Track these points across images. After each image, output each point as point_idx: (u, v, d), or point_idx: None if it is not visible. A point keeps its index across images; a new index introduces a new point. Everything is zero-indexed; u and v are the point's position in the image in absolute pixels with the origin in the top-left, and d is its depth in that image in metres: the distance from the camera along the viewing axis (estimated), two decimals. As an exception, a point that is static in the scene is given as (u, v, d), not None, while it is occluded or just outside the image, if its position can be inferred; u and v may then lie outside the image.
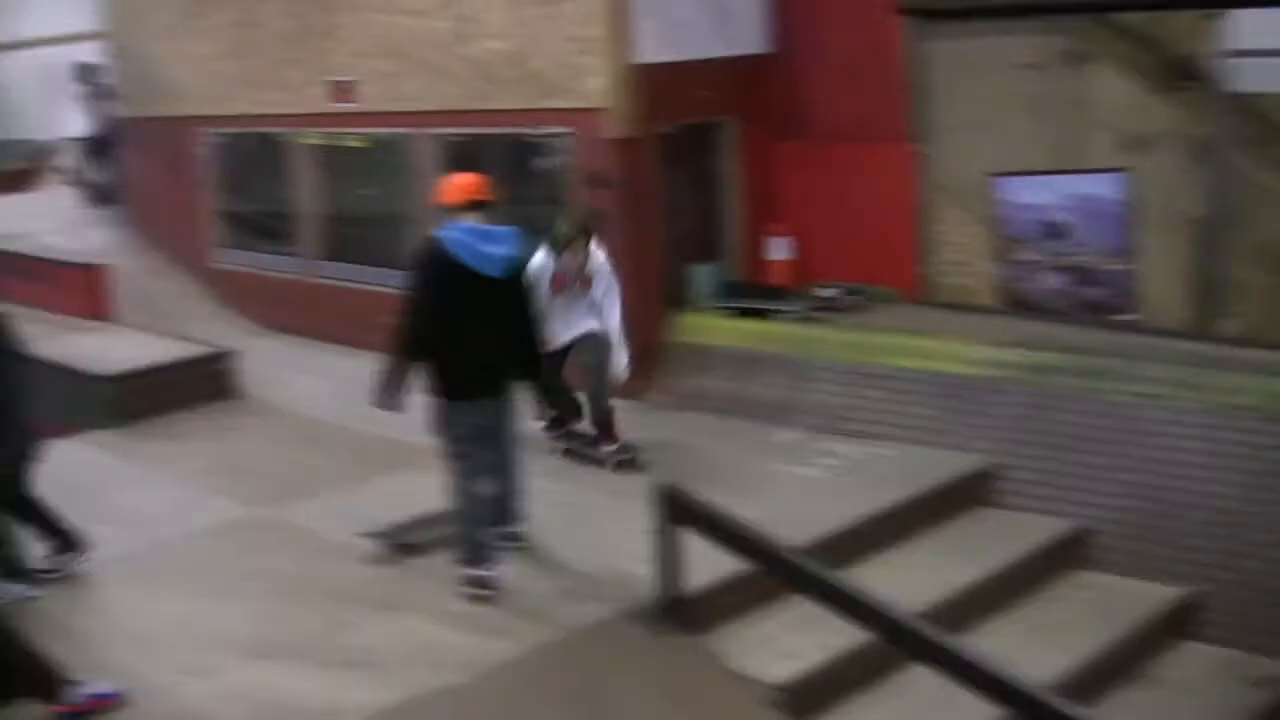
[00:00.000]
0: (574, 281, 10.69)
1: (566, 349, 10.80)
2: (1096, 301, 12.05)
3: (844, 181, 12.84)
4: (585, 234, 10.68)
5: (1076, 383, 10.63)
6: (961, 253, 12.58)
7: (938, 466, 10.59)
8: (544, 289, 10.32)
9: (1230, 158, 11.27)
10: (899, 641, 7.49)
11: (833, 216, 12.97)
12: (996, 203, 12.42)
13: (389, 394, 8.73)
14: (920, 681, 7.66)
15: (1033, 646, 8.63)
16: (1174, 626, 9.65)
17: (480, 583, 8.69)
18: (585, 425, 11.07)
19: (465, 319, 8.58)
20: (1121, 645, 9.22)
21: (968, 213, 12.53)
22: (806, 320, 12.34)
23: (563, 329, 10.66)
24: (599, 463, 10.84)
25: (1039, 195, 12.19)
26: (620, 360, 10.75)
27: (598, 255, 10.75)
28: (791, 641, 8.36)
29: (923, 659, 7.32)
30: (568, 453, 11.12)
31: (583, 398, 11.04)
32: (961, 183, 12.52)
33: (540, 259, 10.43)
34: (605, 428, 10.89)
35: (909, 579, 9.01)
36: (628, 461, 10.75)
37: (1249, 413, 9.83)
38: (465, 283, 8.55)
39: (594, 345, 10.77)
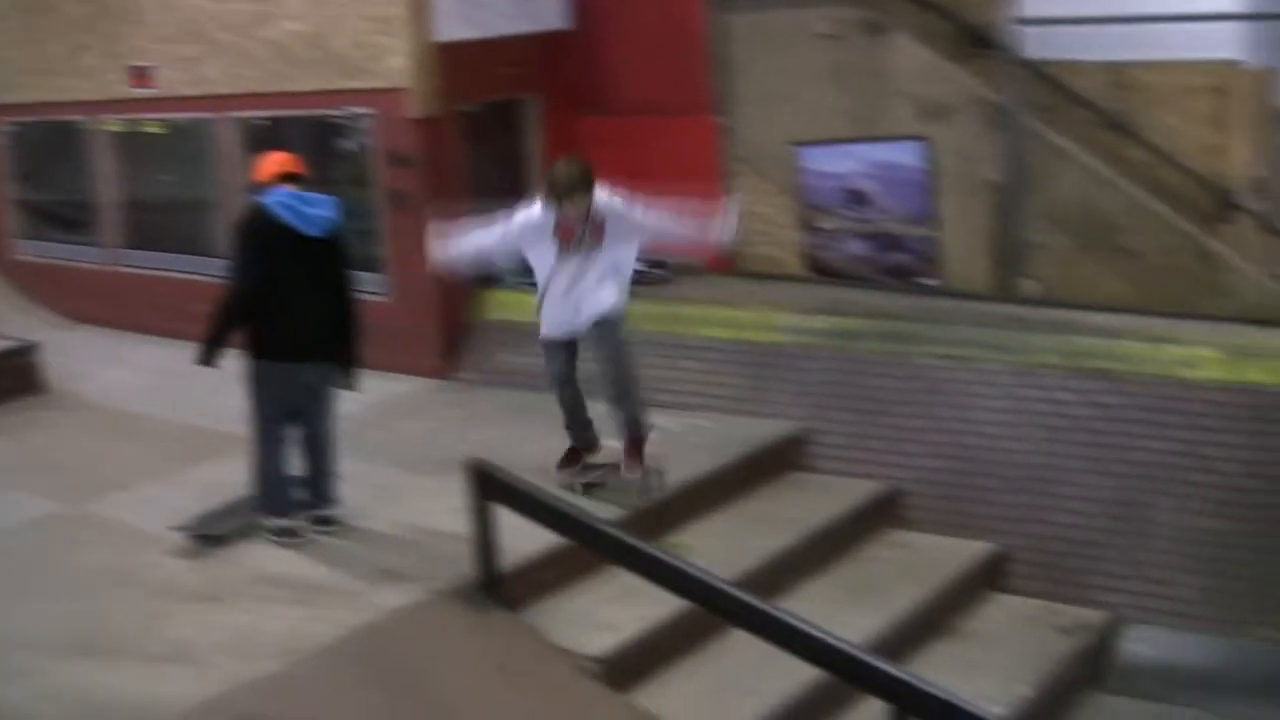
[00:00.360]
0: (582, 231, 9.09)
1: (573, 344, 9.39)
2: (900, 267, 12.24)
3: (647, 155, 12.81)
4: (585, 181, 9.01)
5: (883, 347, 10.82)
6: (766, 223, 12.69)
7: (751, 434, 10.70)
8: (548, 245, 9.16)
9: (1025, 124, 11.50)
10: (716, 608, 7.56)
11: (637, 190, 13.00)
12: (799, 172, 12.56)
13: (210, 352, 8.79)
14: (739, 646, 7.78)
15: (848, 607, 8.78)
16: (984, 580, 9.87)
17: (288, 536, 8.99)
18: (602, 455, 9.73)
19: (289, 279, 8.78)
20: (934, 601, 9.40)
21: (771, 183, 12.65)
22: (615, 294, 12.35)
23: (567, 312, 9.22)
24: (625, 492, 9.42)
25: (841, 164, 12.34)
26: (718, 226, 9.31)
27: (604, 196, 9.10)
28: (610, 613, 8.41)
29: (740, 624, 7.41)
30: (589, 488, 9.54)
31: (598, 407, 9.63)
32: (764, 153, 12.64)
33: (535, 210, 9.15)
34: (636, 444, 9.39)
35: (725, 546, 9.13)
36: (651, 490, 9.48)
37: (1051, 371, 10.08)
38: (288, 243, 8.76)
39: (607, 335, 9.19)
